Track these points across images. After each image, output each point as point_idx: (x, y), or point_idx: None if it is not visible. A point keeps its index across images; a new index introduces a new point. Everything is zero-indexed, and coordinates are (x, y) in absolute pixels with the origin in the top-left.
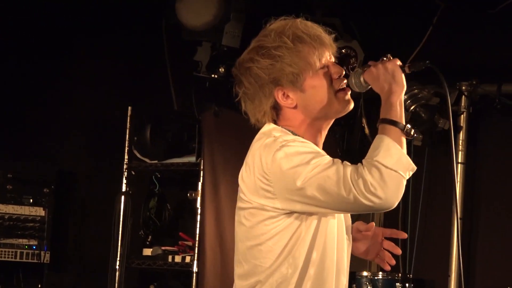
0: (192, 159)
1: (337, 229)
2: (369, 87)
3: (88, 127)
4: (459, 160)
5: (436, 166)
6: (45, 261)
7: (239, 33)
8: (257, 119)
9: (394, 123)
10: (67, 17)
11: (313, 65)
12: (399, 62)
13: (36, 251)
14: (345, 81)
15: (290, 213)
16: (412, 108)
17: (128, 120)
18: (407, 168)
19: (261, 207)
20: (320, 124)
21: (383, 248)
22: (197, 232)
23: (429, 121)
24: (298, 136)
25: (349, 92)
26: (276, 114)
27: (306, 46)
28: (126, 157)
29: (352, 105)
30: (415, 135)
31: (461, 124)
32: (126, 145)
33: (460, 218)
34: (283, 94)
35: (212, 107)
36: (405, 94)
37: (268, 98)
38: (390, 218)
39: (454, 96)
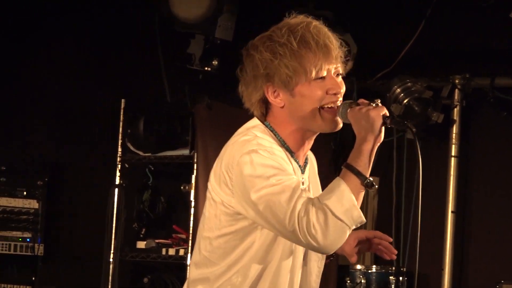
0: (186, 151)
1: (297, 250)
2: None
3: (81, 119)
4: (452, 154)
5: (429, 159)
6: (39, 254)
7: (232, 26)
8: (248, 106)
9: (357, 172)
10: (59, 4)
11: (309, 73)
12: (384, 112)
13: (30, 244)
14: (339, 100)
15: (245, 218)
16: (405, 101)
17: (122, 113)
18: (355, 220)
19: (220, 201)
20: (305, 132)
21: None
22: (191, 225)
23: (422, 114)
24: (280, 138)
25: (337, 110)
26: (266, 108)
27: (309, 53)
28: (119, 149)
29: (338, 126)
30: (376, 187)
31: (454, 117)
32: (120, 137)
33: (453, 212)
34: (274, 92)
35: (205, 99)
36: (398, 88)
37: (257, 91)
38: (383, 212)
39: (447, 89)
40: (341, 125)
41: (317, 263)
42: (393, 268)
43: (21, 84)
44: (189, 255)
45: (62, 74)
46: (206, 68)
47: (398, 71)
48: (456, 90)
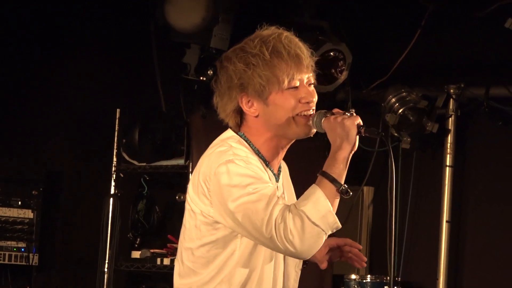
0: (181, 161)
1: (278, 255)
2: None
3: (76, 129)
4: (447, 163)
5: (424, 169)
6: (33, 263)
7: (227, 36)
8: (223, 117)
9: (332, 179)
10: (54, 15)
11: (281, 83)
12: (358, 121)
13: (24, 253)
14: (312, 108)
15: (224, 227)
16: (400, 111)
17: (117, 123)
18: (330, 226)
19: (199, 211)
20: (279, 140)
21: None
22: None
23: (417, 124)
24: (255, 148)
25: (312, 119)
26: (240, 119)
27: (282, 63)
28: (114, 159)
29: (312, 132)
30: (351, 194)
31: (449, 127)
32: (115, 147)
33: (447, 221)
34: (248, 102)
35: (201, 109)
36: (393, 97)
37: (232, 101)
38: (378, 221)
39: (442, 99)
40: (314, 131)
41: (294, 268)
42: (388, 277)
43: (16, 95)
44: None
45: (56, 83)
46: (201, 78)
47: (393, 81)
48: (451, 100)
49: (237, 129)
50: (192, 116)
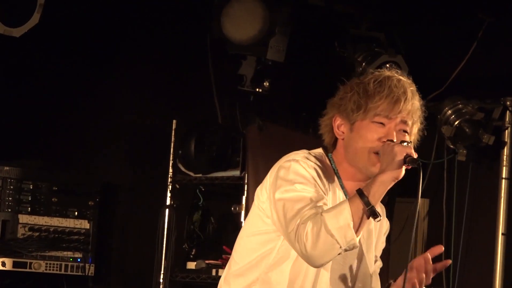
0: (236, 172)
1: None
2: None
3: (132, 140)
4: (503, 175)
5: (480, 181)
6: (89, 274)
7: (284, 48)
8: (321, 131)
9: (363, 197)
10: (112, 25)
11: (368, 113)
12: (409, 152)
13: (80, 264)
14: None
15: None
16: (456, 123)
17: (173, 134)
18: (347, 241)
19: (257, 204)
20: (356, 173)
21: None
22: None
23: (473, 136)
24: (335, 167)
25: None
26: (334, 143)
27: (378, 96)
28: (170, 170)
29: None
30: (380, 218)
31: (505, 139)
32: (171, 158)
33: (503, 234)
34: (339, 124)
35: (257, 121)
36: (449, 109)
37: (329, 118)
38: (434, 233)
39: (498, 111)
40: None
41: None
42: None
43: (72, 106)
44: None
45: (113, 94)
46: (257, 90)
47: (449, 93)
48: (507, 112)
49: (330, 149)
50: (248, 128)
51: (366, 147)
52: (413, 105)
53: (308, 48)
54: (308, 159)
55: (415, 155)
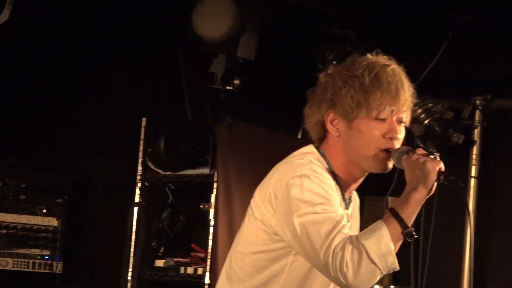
0: (206, 170)
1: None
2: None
3: (101, 137)
4: (472, 175)
5: None
6: (57, 271)
7: (254, 45)
8: (307, 127)
9: (400, 220)
10: (82, 23)
11: (370, 111)
12: (440, 167)
13: (48, 261)
14: (397, 146)
15: (282, 240)
16: (426, 121)
17: (142, 131)
18: (388, 266)
19: (261, 218)
20: (354, 169)
21: None
22: (210, 243)
23: (443, 135)
24: (331, 169)
25: (393, 153)
26: (324, 135)
27: (378, 92)
28: (139, 168)
29: (388, 169)
30: (415, 237)
31: (475, 138)
32: (140, 156)
33: (472, 233)
34: (333, 119)
35: (227, 119)
36: (419, 108)
37: (319, 113)
38: None
39: (468, 110)
40: (391, 167)
41: None
42: None
43: (39, 104)
44: (207, 274)
45: (82, 92)
46: (227, 87)
47: (419, 92)
48: (477, 111)
49: (318, 144)
50: (218, 126)
51: (369, 145)
52: (410, 94)
53: (279, 46)
54: (316, 171)
55: (443, 168)
